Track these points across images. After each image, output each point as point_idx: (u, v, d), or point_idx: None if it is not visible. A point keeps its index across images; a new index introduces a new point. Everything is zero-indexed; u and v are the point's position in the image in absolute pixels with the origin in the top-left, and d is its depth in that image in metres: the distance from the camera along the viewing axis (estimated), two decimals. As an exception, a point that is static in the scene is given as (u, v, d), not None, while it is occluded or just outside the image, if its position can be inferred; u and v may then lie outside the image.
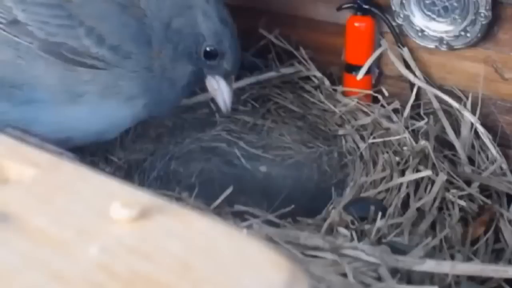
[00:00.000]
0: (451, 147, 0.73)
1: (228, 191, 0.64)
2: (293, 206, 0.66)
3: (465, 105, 0.75)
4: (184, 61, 0.69)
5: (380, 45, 0.79)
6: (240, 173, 0.77)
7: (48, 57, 0.63)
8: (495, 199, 0.68)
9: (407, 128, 0.73)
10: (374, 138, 0.73)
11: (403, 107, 0.77)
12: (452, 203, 0.65)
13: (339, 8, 0.79)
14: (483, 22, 0.72)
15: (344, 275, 0.52)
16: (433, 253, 0.58)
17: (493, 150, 0.72)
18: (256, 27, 0.85)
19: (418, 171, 0.68)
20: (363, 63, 0.79)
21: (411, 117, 0.76)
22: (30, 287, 0.27)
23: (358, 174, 0.71)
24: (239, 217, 0.62)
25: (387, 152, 0.71)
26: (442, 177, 0.66)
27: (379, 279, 0.53)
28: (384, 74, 0.81)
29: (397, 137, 0.72)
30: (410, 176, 0.67)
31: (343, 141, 0.76)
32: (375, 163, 0.71)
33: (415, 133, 0.73)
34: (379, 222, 0.60)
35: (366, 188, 0.68)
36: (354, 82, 0.80)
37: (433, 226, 0.63)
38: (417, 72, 0.77)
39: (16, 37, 0.62)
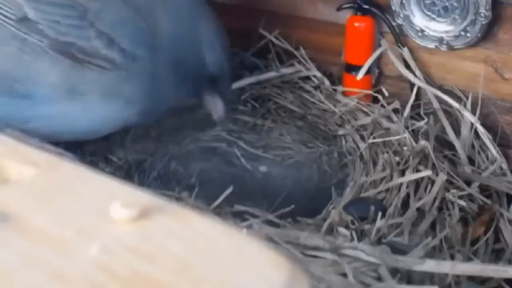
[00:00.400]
0: (451, 147, 0.73)
1: (228, 191, 0.64)
2: (293, 206, 0.66)
3: (465, 105, 0.75)
4: (186, 85, 0.71)
5: (380, 45, 0.79)
6: (240, 173, 0.77)
7: (55, 55, 0.63)
8: (495, 199, 0.68)
9: (407, 128, 0.73)
10: (374, 138, 0.73)
11: (403, 107, 0.77)
12: (452, 203, 0.65)
13: (339, 8, 0.79)
14: (483, 22, 0.72)
15: (344, 275, 0.52)
16: (433, 253, 0.58)
17: (493, 150, 0.72)
18: (256, 27, 0.85)
19: (418, 171, 0.68)
20: (363, 63, 0.79)
21: (411, 117, 0.76)
22: (30, 287, 0.27)
23: (358, 174, 0.71)
24: (239, 217, 0.62)
25: (387, 152, 0.71)
26: (442, 177, 0.66)
27: (379, 279, 0.53)
28: (384, 74, 0.81)
29: (397, 137, 0.72)
30: (410, 176, 0.67)
31: (343, 141, 0.76)
32: (375, 163, 0.71)
33: (415, 133, 0.73)
34: (379, 222, 0.60)
35: (366, 188, 0.68)
36: (354, 82, 0.80)
37: (433, 226, 0.63)
38: (417, 72, 0.77)
39: (25, 34, 0.63)
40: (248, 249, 0.29)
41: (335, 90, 0.81)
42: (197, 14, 0.72)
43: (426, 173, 0.67)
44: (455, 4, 0.73)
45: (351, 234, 0.59)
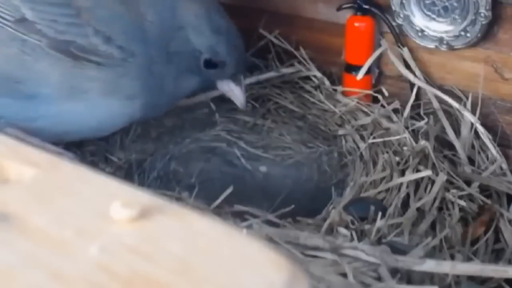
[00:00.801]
0: (451, 147, 0.73)
1: (228, 191, 0.64)
2: (293, 206, 0.66)
3: (465, 105, 0.75)
4: (189, 74, 0.70)
5: (380, 45, 0.79)
6: (240, 173, 0.77)
7: (55, 54, 0.63)
8: (495, 199, 0.68)
9: (407, 128, 0.73)
10: (374, 138, 0.73)
11: (403, 107, 0.77)
12: (452, 203, 0.65)
13: (339, 8, 0.80)
14: (483, 22, 0.72)
15: (344, 275, 0.52)
16: (433, 253, 0.58)
17: (493, 150, 0.72)
18: (256, 27, 0.85)
19: (418, 171, 0.68)
20: (363, 63, 0.79)
21: (411, 117, 0.76)
22: (30, 287, 0.27)
23: (358, 174, 0.71)
24: (239, 217, 0.62)
25: (387, 152, 0.71)
26: (442, 177, 0.66)
27: (379, 279, 0.53)
28: (384, 74, 0.81)
29: (397, 137, 0.72)
30: (410, 176, 0.67)
31: (343, 141, 0.76)
32: (375, 163, 0.71)
33: (415, 133, 0.73)
34: (379, 222, 0.60)
35: (366, 188, 0.68)
36: (354, 82, 0.80)
37: (433, 226, 0.63)
38: (417, 72, 0.77)
39: (24, 35, 0.63)
40: (248, 249, 0.29)
41: (335, 90, 0.81)
42: (177, 0, 0.71)
43: (426, 173, 0.67)
44: (455, 4, 0.73)
45: (351, 234, 0.59)
